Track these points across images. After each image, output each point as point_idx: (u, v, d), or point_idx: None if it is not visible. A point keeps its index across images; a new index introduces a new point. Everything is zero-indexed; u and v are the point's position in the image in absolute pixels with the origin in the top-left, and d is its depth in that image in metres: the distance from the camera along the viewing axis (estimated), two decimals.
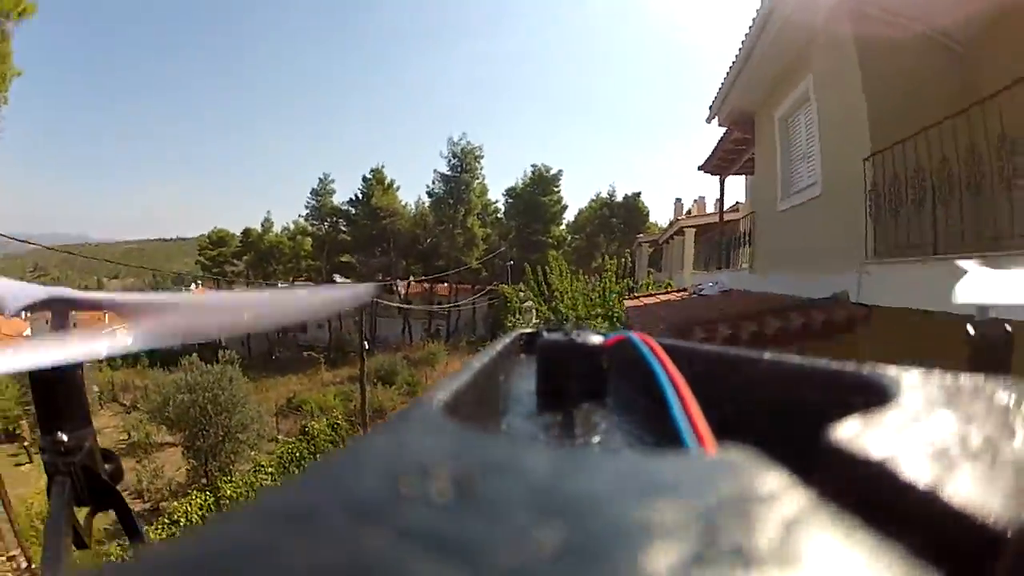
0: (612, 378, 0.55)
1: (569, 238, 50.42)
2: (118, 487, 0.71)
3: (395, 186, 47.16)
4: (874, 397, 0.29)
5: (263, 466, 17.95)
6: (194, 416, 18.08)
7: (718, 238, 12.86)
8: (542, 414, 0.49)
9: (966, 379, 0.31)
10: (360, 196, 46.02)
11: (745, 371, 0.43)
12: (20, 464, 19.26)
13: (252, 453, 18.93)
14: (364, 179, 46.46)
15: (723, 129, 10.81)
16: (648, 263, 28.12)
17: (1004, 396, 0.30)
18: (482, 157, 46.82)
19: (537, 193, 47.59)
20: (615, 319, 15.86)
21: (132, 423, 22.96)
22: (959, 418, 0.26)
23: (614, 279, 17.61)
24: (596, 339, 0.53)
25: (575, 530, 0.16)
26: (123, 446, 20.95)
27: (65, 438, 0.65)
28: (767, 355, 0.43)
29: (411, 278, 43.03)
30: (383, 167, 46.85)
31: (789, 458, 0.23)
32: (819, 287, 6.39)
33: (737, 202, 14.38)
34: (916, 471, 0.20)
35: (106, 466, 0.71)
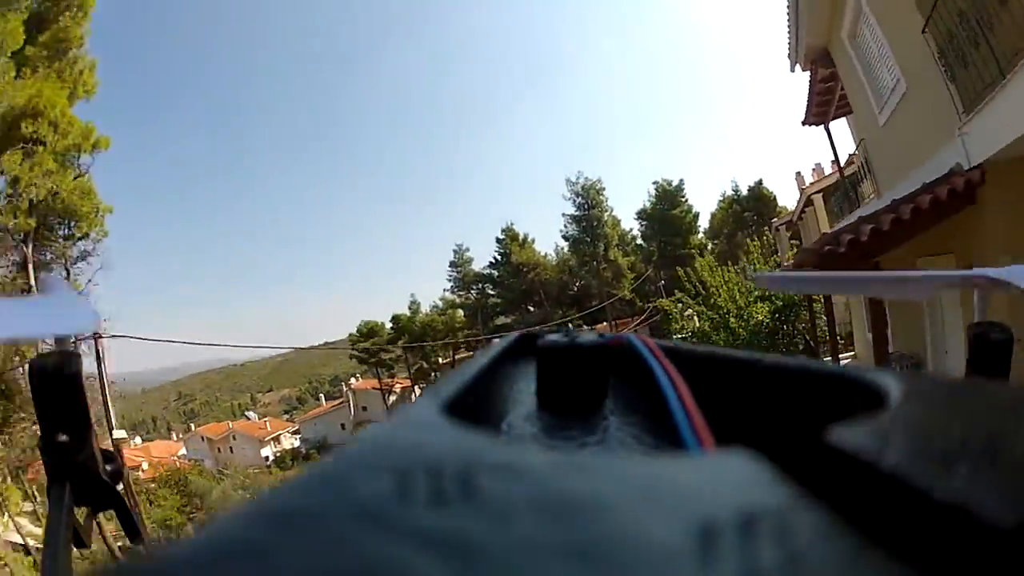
0: (612, 379, 0.54)
1: (709, 244, 49.65)
2: (118, 487, 0.71)
3: (530, 239, 48.01)
4: (873, 398, 0.29)
5: None
6: None
7: (841, 185, 12.78)
8: (542, 415, 0.49)
9: (965, 380, 0.30)
10: (499, 257, 47.01)
11: (745, 372, 0.43)
12: None
13: None
14: (497, 240, 47.37)
15: (809, 75, 11.02)
16: (788, 244, 27.27)
17: (1003, 397, 0.30)
18: (603, 189, 47.02)
19: (666, 208, 47.22)
20: (772, 298, 15.86)
21: None
22: (958, 419, 0.26)
23: (761, 261, 17.55)
24: (596, 340, 0.52)
25: (575, 532, 0.16)
26: None
27: (65, 439, 0.65)
28: (767, 357, 0.42)
29: (570, 325, 43.38)
30: (512, 224, 47.82)
31: (789, 459, 0.23)
32: (933, 172, 6.35)
33: (850, 153, 13.82)
34: (916, 472, 0.20)
35: (106, 466, 0.70)
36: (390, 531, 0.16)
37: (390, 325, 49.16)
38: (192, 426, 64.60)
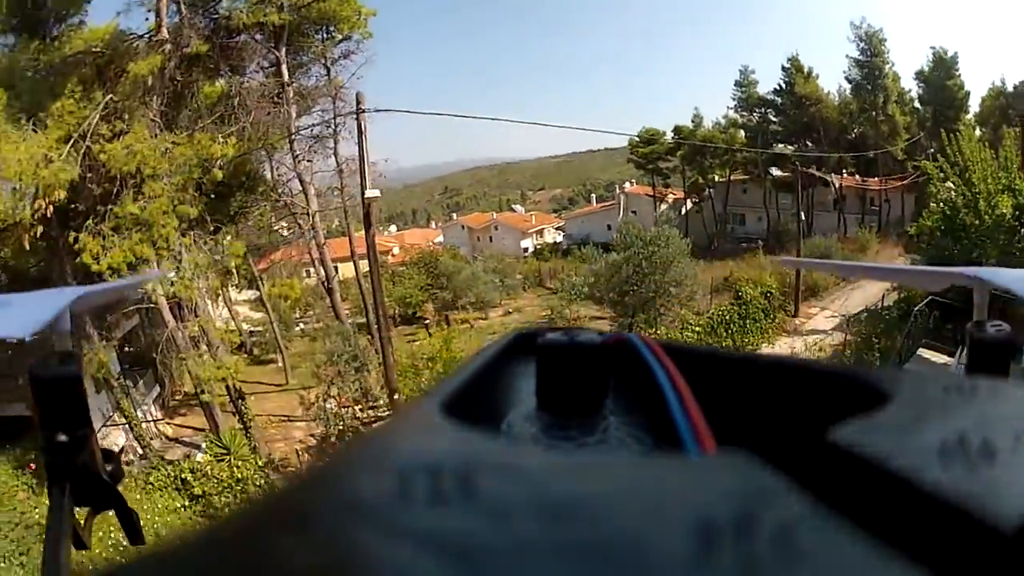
0: (612, 378, 0.53)
1: (977, 131, 45.52)
2: (118, 487, 0.70)
3: (814, 74, 43.72)
4: (874, 398, 0.29)
5: (690, 323, 18.23)
6: (625, 275, 18.29)
7: None
8: (541, 415, 0.48)
9: (965, 380, 0.33)
10: (783, 85, 43.96)
11: (746, 372, 0.42)
12: (413, 340, 22.01)
13: (681, 311, 19.00)
14: (783, 68, 43.82)
15: None
16: None
17: (1003, 397, 0.30)
18: (886, 40, 41.59)
19: (942, 77, 43.21)
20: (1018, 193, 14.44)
21: (554, 303, 23.55)
22: (959, 419, 0.26)
23: (1016, 155, 15.44)
24: (596, 339, 0.51)
25: (574, 533, 0.16)
26: (544, 320, 22.27)
27: (65, 438, 0.64)
28: (768, 356, 0.43)
29: (844, 171, 43.81)
30: (798, 55, 43.94)
31: (789, 459, 0.23)
32: None
33: None
34: (916, 472, 0.20)
35: (106, 466, 0.70)
36: (389, 532, 0.16)
37: (671, 135, 47.02)
38: (454, 216, 64.58)
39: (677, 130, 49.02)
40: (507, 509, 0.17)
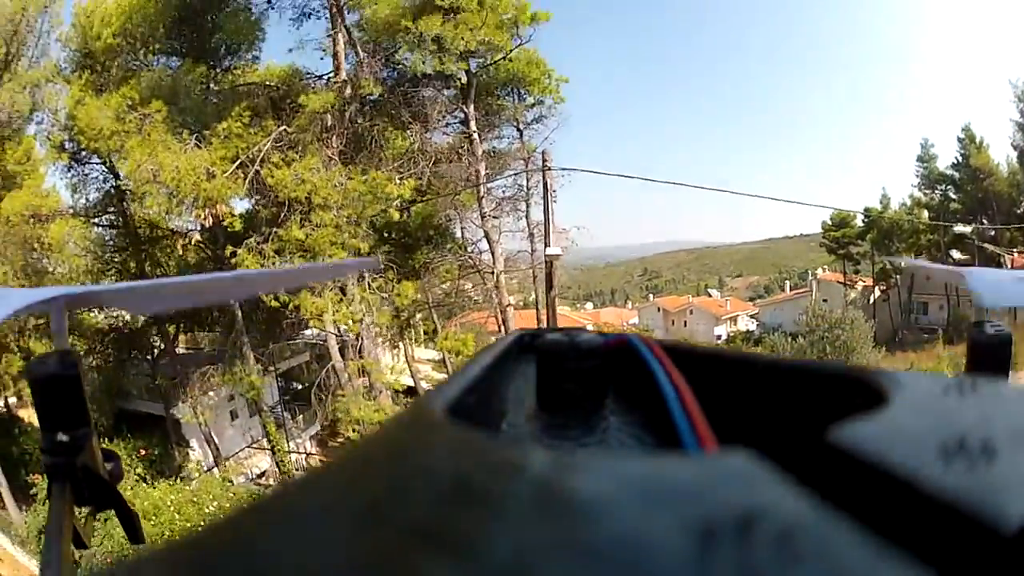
0: (613, 379, 0.53)
1: None
2: (118, 487, 0.70)
3: (985, 144, 43.43)
4: (874, 398, 0.29)
5: None
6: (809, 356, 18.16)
7: None
8: (542, 415, 0.49)
9: (965, 379, 0.31)
10: (960, 158, 41.81)
11: (746, 372, 0.42)
12: None
13: None
14: (958, 139, 41.61)
15: None
16: None
17: (1003, 396, 0.31)
18: None
19: None
20: None
21: None
22: (959, 418, 0.26)
23: None
24: (597, 340, 0.52)
25: (575, 533, 0.16)
26: None
27: (65, 438, 0.64)
28: (768, 356, 0.43)
29: (1015, 249, 39.73)
30: (970, 125, 43.37)
31: (790, 459, 0.23)
32: None
33: None
34: (916, 472, 0.20)
35: (106, 465, 0.69)
36: (392, 532, 0.16)
37: (861, 218, 46.19)
38: (651, 297, 64.54)
39: (866, 212, 47.64)
40: (508, 509, 0.17)
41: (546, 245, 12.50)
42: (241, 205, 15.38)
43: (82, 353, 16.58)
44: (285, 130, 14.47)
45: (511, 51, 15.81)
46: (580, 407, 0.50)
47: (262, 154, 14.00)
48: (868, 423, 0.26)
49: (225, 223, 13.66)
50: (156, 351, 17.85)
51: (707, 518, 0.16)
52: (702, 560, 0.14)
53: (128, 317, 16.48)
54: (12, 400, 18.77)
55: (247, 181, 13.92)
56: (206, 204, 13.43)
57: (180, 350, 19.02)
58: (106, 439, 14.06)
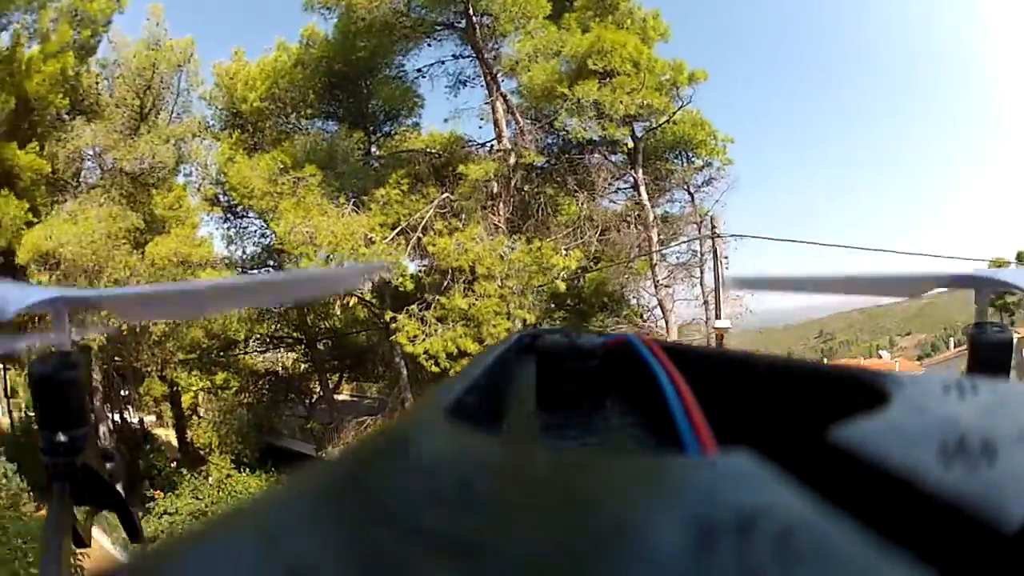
0: (613, 379, 0.53)
1: None
2: (118, 487, 0.68)
3: None
4: (874, 398, 0.29)
5: None
6: None
7: None
8: (543, 416, 0.48)
9: (965, 380, 0.30)
10: None
11: (746, 372, 0.42)
12: None
13: None
14: None
15: None
16: None
17: (1003, 396, 0.30)
18: None
19: None
20: None
21: None
22: (959, 418, 0.26)
23: None
24: (597, 340, 0.52)
25: (575, 533, 0.16)
26: None
27: (65, 438, 0.63)
28: (767, 356, 0.42)
29: None
30: None
31: (790, 459, 0.23)
32: None
33: None
34: (917, 471, 0.20)
35: (106, 465, 0.69)
36: (392, 531, 0.16)
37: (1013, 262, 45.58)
38: (825, 361, 66.84)
39: (1019, 257, 42.57)
40: (508, 509, 0.17)
41: (717, 316, 12.03)
42: (412, 267, 14.88)
43: (235, 390, 17.49)
44: (448, 197, 13.88)
45: (674, 113, 15.10)
46: (580, 407, 0.50)
47: (424, 221, 13.43)
48: (868, 423, 0.26)
49: (396, 283, 13.18)
50: (315, 396, 18.19)
51: (707, 518, 0.16)
52: (702, 560, 0.14)
53: (288, 363, 17.69)
54: (150, 419, 20.22)
55: (408, 248, 13.42)
56: None
57: (342, 397, 19.23)
58: (248, 470, 15.37)
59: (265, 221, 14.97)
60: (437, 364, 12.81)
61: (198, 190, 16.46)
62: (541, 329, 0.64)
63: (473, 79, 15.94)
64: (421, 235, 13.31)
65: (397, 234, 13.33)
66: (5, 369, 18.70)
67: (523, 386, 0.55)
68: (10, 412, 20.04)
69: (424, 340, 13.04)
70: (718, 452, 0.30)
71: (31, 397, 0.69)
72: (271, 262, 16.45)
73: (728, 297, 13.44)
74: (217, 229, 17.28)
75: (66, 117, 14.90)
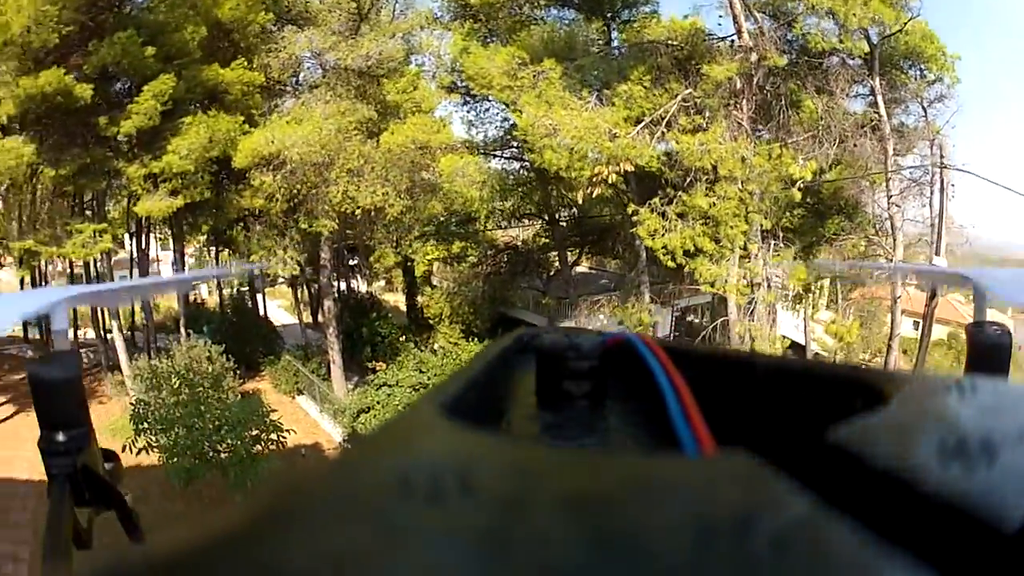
0: (612, 379, 0.52)
1: None
2: (118, 487, 0.69)
3: None
4: (874, 398, 0.29)
5: None
6: None
7: None
8: (542, 415, 0.48)
9: (965, 379, 0.30)
10: None
11: (745, 372, 0.42)
12: None
13: None
14: None
15: None
16: None
17: (1003, 396, 0.30)
18: None
19: None
20: None
21: None
22: (958, 418, 0.26)
23: None
24: (596, 339, 0.52)
25: (573, 532, 0.16)
26: None
27: (64, 438, 0.63)
28: (768, 356, 0.41)
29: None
30: None
31: (790, 460, 0.22)
32: None
33: None
34: (916, 471, 0.20)
35: (106, 466, 0.70)
36: (390, 530, 0.16)
37: None
38: None
39: None
40: (506, 508, 0.17)
41: (936, 252, 11.68)
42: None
43: (474, 263, 17.32)
44: (691, 93, 13.61)
45: (905, 23, 14.24)
46: (579, 407, 0.50)
47: (668, 117, 13.29)
48: (868, 423, 0.26)
49: (645, 165, 13.21)
50: (552, 270, 18.51)
51: (706, 519, 0.16)
52: (702, 560, 0.14)
53: (528, 236, 18.16)
54: (379, 285, 20.71)
55: (652, 143, 13.34)
56: (609, 162, 12.95)
57: (580, 269, 19.68)
58: (476, 339, 15.70)
59: (506, 104, 15.09)
60: (673, 259, 13.04)
61: (433, 78, 16.74)
62: (541, 328, 0.64)
63: None
64: (665, 130, 13.22)
65: (642, 128, 13.27)
66: (218, 248, 19.63)
67: (522, 385, 0.55)
68: (220, 288, 21.23)
69: (663, 235, 13.19)
70: (716, 452, 0.30)
71: (31, 397, 0.68)
72: (514, 145, 16.58)
73: (951, 227, 13.46)
74: (455, 112, 17.64)
75: (273, 29, 15.38)
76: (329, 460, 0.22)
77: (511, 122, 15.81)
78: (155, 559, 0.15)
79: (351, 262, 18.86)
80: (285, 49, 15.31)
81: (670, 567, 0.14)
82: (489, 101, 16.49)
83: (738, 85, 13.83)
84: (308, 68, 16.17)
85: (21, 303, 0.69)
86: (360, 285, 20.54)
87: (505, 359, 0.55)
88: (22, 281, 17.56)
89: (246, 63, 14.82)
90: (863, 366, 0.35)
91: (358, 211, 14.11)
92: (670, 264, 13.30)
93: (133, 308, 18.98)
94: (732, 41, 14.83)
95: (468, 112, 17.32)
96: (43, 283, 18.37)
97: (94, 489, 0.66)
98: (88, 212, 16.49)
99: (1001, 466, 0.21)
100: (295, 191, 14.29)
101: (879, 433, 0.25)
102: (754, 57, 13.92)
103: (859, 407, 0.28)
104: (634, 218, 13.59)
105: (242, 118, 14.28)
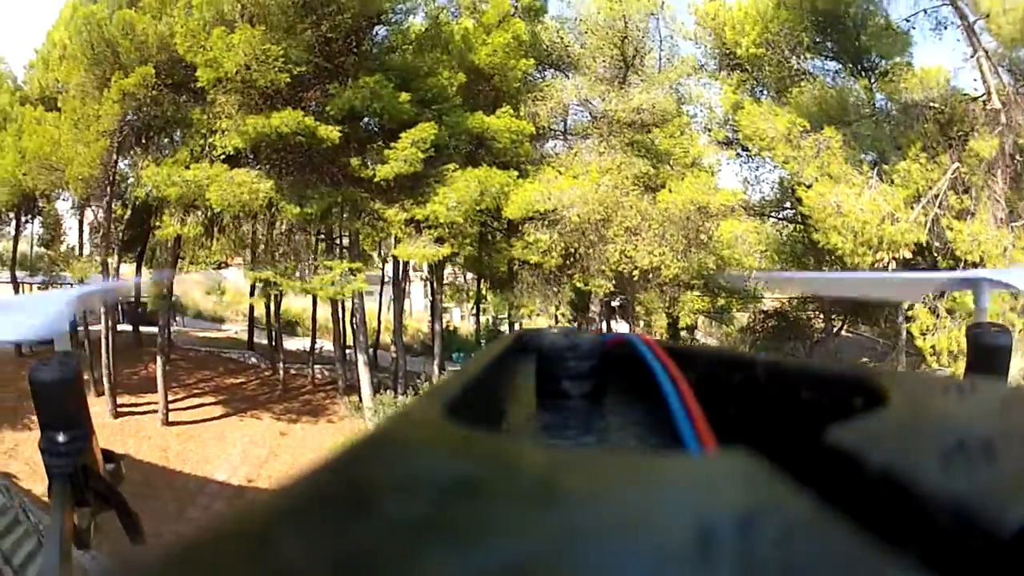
0: (613, 378, 0.53)
1: None
2: (119, 488, 0.68)
3: None
4: (874, 398, 0.29)
5: None
6: None
7: None
8: (543, 414, 0.49)
9: (965, 380, 0.31)
10: None
11: (746, 372, 0.42)
12: None
13: None
14: None
15: None
16: None
17: (1003, 397, 0.30)
18: None
19: None
20: None
21: None
22: (958, 419, 0.26)
23: None
24: (596, 339, 0.52)
25: (574, 531, 0.16)
26: None
27: (65, 439, 0.63)
28: (768, 356, 0.42)
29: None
30: None
31: (790, 459, 0.23)
32: None
33: None
34: (916, 472, 0.20)
35: (107, 466, 0.68)
36: (390, 530, 0.16)
37: None
38: None
39: None
40: (506, 508, 0.17)
41: None
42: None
43: (744, 327, 19.13)
44: (959, 168, 13.71)
45: None
46: (580, 407, 0.50)
47: (940, 196, 13.48)
48: (868, 423, 0.26)
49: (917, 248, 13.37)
50: (816, 336, 19.20)
51: (706, 518, 0.16)
52: (701, 560, 0.14)
53: (789, 303, 18.28)
54: (639, 330, 19.76)
55: (927, 227, 13.53)
56: (889, 248, 13.21)
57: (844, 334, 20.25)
58: None
59: (784, 167, 14.90)
60: (937, 359, 12.83)
61: (706, 131, 16.45)
62: (541, 328, 0.63)
63: (948, 22, 14.96)
64: (939, 211, 13.26)
65: (921, 209, 13.25)
66: (480, 278, 19.44)
67: (523, 385, 0.54)
68: (476, 317, 20.62)
69: (933, 335, 12.98)
70: (718, 451, 0.30)
71: (32, 399, 0.65)
72: (787, 206, 16.45)
73: None
74: (727, 165, 17.29)
75: (535, 74, 15.10)
76: (331, 459, 0.21)
77: (784, 177, 15.79)
78: (156, 559, 0.15)
79: (613, 303, 18.89)
80: (552, 97, 14.97)
81: (670, 566, 0.14)
82: (763, 158, 16.33)
83: (992, 154, 13.72)
84: (574, 114, 15.84)
85: (40, 309, 0.69)
86: (617, 326, 20.26)
87: (506, 359, 0.54)
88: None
89: (512, 111, 14.58)
90: (863, 366, 0.36)
91: (635, 271, 14.34)
92: (933, 363, 12.92)
93: (379, 325, 18.93)
94: (983, 101, 14.77)
95: (742, 167, 17.17)
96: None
97: (95, 490, 0.66)
98: (336, 249, 16.51)
99: (1000, 467, 0.21)
100: (571, 249, 14.46)
101: (879, 433, 0.25)
102: (1003, 119, 13.86)
103: (859, 407, 0.29)
104: (908, 312, 13.59)
105: (515, 173, 14.31)
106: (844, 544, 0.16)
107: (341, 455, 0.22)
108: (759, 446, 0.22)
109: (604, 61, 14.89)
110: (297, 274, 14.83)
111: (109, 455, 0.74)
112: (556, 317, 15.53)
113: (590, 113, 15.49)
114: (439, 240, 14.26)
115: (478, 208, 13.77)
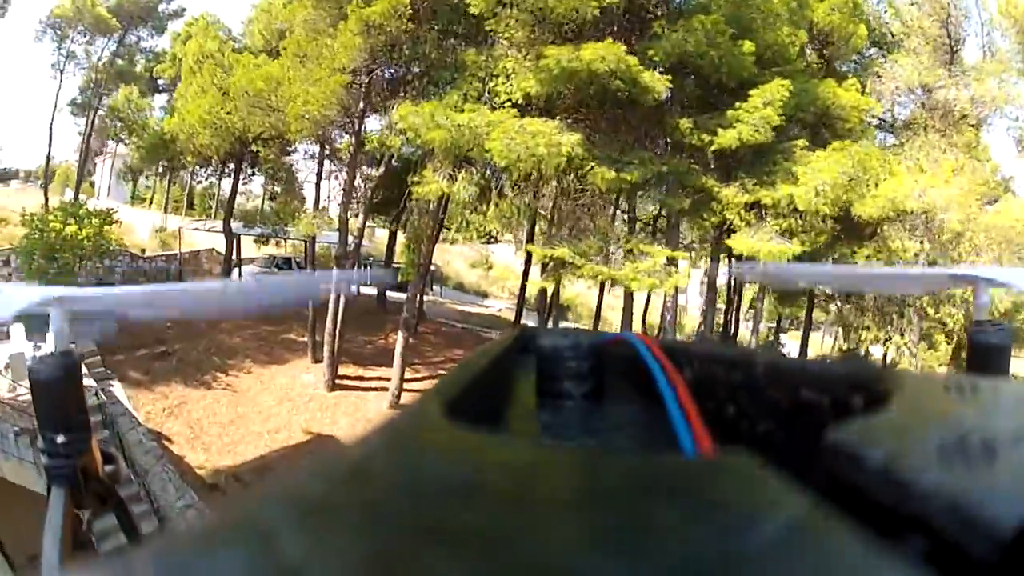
0: (612, 378, 0.53)
1: None
2: (117, 488, 0.67)
3: None
4: (874, 398, 0.29)
5: None
6: None
7: None
8: (542, 415, 0.48)
9: (965, 379, 0.31)
10: None
11: (744, 373, 0.41)
12: None
13: None
14: None
15: None
16: None
17: (1003, 396, 0.30)
18: None
19: None
20: None
21: None
22: (958, 418, 0.26)
23: None
24: (596, 339, 0.52)
25: (573, 532, 0.16)
26: None
27: (64, 441, 0.63)
28: (767, 356, 0.42)
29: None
30: None
31: (789, 460, 0.23)
32: None
33: None
34: (916, 472, 0.20)
35: (106, 467, 0.68)
36: (392, 529, 0.16)
37: None
38: None
39: None
40: (506, 508, 0.17)
41: None
42: None
43: None
44: None
45: None
46: (579, 406, 0.50)
47: None
48: (868, 423, 0.26)
49: None
50: None
51: (704, 519, 0.16)
52: (701, 560, 0.14)
53: None
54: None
55: None
56: None
57: None
58: None
59: None
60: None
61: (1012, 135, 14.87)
62: (541, 329, 0.63)
63: None
64: None
65: None
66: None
67: (523, 385, 0.54)
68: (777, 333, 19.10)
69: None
70: (715, 452, 0.31)
71: (31, 400, 0.65)
72: None
73: None
74: None
75: (865, 50, 13.65)
76: (330, 458, 0.21)
77: None
78: (156, 559, 0.15)
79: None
80: (892, 78, 13.34)
81: (669, 567, 0.14)
82: None
83: None
84: (900, 106, 14.22)
85: (15, 298, 0.67)
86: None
87: (506, 359, 0.54)
88: None
89: (858, 85, 12.68)
90: (862, 366, 0.35)
91: None
92: None
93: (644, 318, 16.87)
94: None
95: None
96: None
97: (94, 491, 0.65)
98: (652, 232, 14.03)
99: (1000, 467, 0.21)
100: (933, 260, 12.53)
101: (878, 433, 0.24)
102: None
103: (859, 407, 0.29)
104: None
105: (881, 158, 12.19)
106: (843, 545, 0.15)
107: (340, 455, 0.22)
108: (757, 446, 0.23)
109: (927, 42, 13.52)
110: (599, 257, 11.56)
111: (108, 457, 0.72)
112: (898, 347, 13.17)
113: (922, 105, 13.90)
114: (786, 233, 11.47)
115: (845, 197, 11.26)
